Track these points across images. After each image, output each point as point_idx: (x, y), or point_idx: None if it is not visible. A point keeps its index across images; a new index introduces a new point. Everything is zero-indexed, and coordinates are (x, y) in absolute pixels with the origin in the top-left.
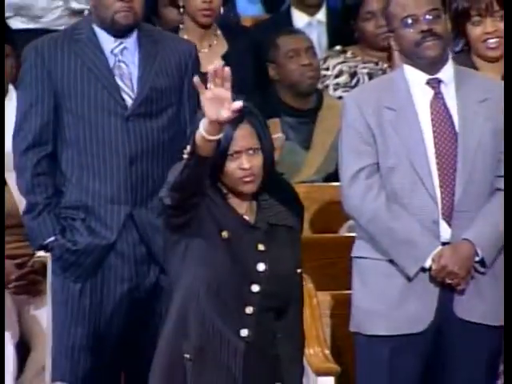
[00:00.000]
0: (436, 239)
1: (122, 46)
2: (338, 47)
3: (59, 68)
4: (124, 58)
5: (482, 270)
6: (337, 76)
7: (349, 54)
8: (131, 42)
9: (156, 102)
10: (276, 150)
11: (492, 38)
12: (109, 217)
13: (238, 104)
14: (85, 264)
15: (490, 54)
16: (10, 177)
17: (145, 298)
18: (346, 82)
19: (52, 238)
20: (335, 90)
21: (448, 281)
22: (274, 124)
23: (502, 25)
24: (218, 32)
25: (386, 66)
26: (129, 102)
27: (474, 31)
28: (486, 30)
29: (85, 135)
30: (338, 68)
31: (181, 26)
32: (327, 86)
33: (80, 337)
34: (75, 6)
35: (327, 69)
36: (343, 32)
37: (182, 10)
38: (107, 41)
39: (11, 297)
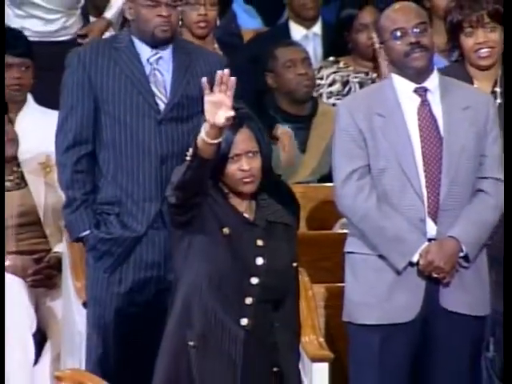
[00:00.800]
0: (423, 236)
1: (157, 56)
2: (331, 58)
3: (99, 74)
4: (159, 67)
5: (465, 264)
6: (330, 85)
7: (341, 65)
8: (166, 52)
9: (186, 107)
10: (285, 144)
11: (483, 48)
12: (140, 212)
13: (232, 113)
14: (116, 254)
15: (481, 63)
16: (30, 178)
17: (169, 288)
18: (339, 91)
19: (87, 232)
20: (328, 98)
21: (434, 275)
22: (284, 133)
23: (493, 35)
24: (216, 45)
25: (375, 75)
26: (162, 106)
27: (467, 42)
28: (478, 41)
29: (120, 136)
30: (331, 77)
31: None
32: (321, 95)
33: (109, 317)
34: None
35: (321, 78)
36: (337, 44)
37: (180, 22)
38: (144, 50)
39: (29, 289)
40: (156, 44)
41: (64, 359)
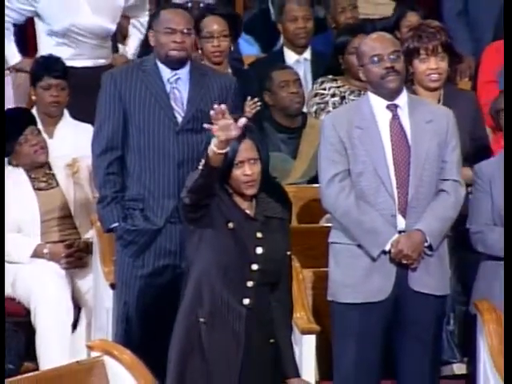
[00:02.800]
0: (394, 229)
1: (176, 76)
2: (329, 76)
3: (128, 91)
4: (178, 86)
5: (429, 252)
6: (332, 95)
7: (339, 82)
8: (184, 73)
9: (200, 120)
10: None
11: (434, 74)
12: (160, 208)
13: (244, 120)
14: (139, 243)
15: (431, 85)
16: (60, 178)
17: (183, 273)
18: (339, 103)
19: (116, 224)
20: (333, 107)
21: (404, 261)
22: None
23: (442, 63)
24: (229, 70)
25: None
26: (179, 119)
27: (421, 66)
28: (430, 67)
29: (144, 144)
30: (332, 89)
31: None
32: (327, 103)
33: (133, 296)
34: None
35: (324, 89)
36: (330, 66)
37: (200, 51)
38: (165, 72)
39: (65, 271)
40: (171, 64)
41: (94, 332)
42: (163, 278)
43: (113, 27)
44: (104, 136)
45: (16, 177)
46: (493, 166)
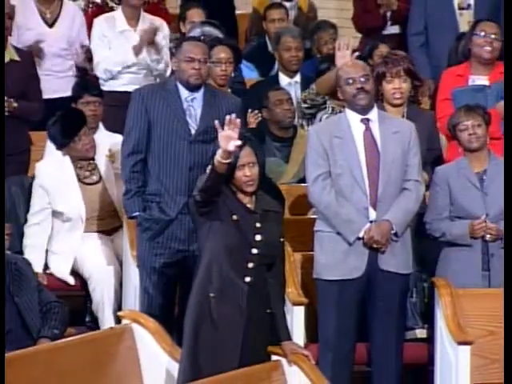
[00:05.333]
0: (366, 219)
1: (192, 96)
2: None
3: (152, 105)
4: (193, 104)
5: (395, 238)
6: (333, 108)
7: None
8: (199, 94)
9: (210, 133)
10: None
11: (397, 93)
12: (173, 202)
13: (239, 143)
14: (154, 229)
15: (395, 102)
16: (102, 168)
17: (192, 255)
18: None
19: (137, 213)
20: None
21: (374, 246)
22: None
23: (404, 84)
24: (229, 90)
25: None
26: (193, 132)
27: (387, 86)
28: (395, 86)
29: (163, 150)
30: (330, 105)
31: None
32: (333, 108)
33: (151, 271)
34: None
35: (325, 102)
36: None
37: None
38: (184, 92)
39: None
40: (191, 88)
41: (124, 303)
42: (175, 259)
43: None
44: (131, 141)
45: (62, 164)
46: (449, 170)
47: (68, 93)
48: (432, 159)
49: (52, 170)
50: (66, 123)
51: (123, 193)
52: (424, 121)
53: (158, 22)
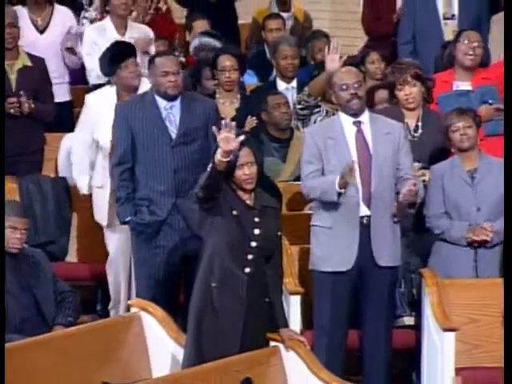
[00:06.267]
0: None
1: (170, 105)
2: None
3: (133, 118)
4: (172, 111)
5: (395, 219)
6: (327, 112)
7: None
8: (177, 102)
9: (189, 136)
10: None
11: (409, 98)
12: (162, 204)
13: (242, 137)
14: (147, 232)
15: (408, 106)
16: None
17: (189, 251)
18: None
19: (129, 218)
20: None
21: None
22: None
23: (414, 89)
24: (238, 96)
25: None
26: (173, 136)
27: (400, 94)
28: (405, 93)
29: (148, 156)
30: (324, 109)
31: (217, 90)
32: (327, 111)
33: (151, 272)
34: None
35: (320, 105)
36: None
37: (216, 81)
38: (162, 102)
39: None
40: (169, 98)
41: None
42: (172, 257)
43: None
44: (118, 152)
45: (109, 95)
46: (444, 167)
47: (64, 98)
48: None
49: (99, 99)
50: (115, 51)
51: (115, 200)
52: (438, 122)
53: (146, 29)
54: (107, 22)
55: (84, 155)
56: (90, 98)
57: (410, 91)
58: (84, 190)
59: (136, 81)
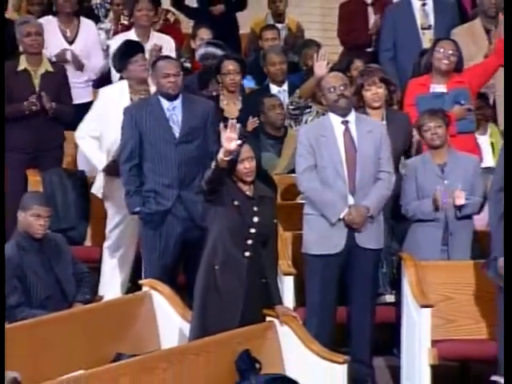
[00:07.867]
0: (346, 204)
1: (173, 105)
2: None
3: (140, 119)
4: (174, 112)
5: (370, 220)
6: (317, 112)
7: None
8: (178, 103)
9: (191, 134)
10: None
11: (375, 98)
12: (167, 195)
13: (240, 142)
14: (154, 220)
15: (374, 105)
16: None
17: (189, 238)
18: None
19: (138, 209)
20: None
21: (353, 226)
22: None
23: (380, 90)
24: (240, 97)
25: None
26: (177, 135)
27: (367, 94)
28: (372, 93)
29: (154, 153)
30: (315, 110)
31: (221, 92)
32: (317, 112)
33: (157, 256)
34: None
35: (310, 106)
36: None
37: (220, 84)
38: (165, 103)
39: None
40: (170, 98)
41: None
42: (173, 241)
43: None
44: (126, 150)
45: (121, 89)
46: (416, 162)
47: (87, 99)
48: (407, 153)
49: (112, 92)
50: (125, 48)
51: (124, 194)
52: (400, 121)
53: (167, 38)
54: (131, 33)
55: (91, 140)
56: (103, 90)
57: (376, 91)
58: (101, 166)
59: (145, 73)
